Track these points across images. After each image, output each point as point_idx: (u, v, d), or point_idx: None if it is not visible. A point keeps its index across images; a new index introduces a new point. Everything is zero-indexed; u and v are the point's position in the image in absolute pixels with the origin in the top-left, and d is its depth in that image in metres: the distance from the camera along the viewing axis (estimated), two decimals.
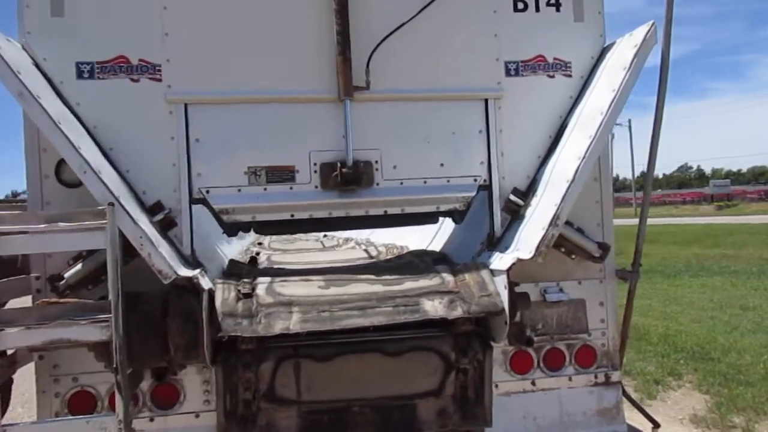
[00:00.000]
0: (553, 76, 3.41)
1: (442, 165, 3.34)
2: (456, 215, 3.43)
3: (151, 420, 3.05)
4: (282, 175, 3.19)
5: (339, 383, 2.90)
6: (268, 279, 3.03)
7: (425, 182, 3.34)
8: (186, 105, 3.10)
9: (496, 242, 3.31)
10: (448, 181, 3.35)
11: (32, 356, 3.00)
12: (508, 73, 3.38)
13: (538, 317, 3.36)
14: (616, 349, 3.50)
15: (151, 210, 2.98)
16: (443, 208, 3.37)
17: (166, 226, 3.01)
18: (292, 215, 3.24)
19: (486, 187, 3.36)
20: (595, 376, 3.46)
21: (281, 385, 2.85)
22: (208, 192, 3.11)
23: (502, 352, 3.34)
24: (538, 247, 2.90)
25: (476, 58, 3.36)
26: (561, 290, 3.42)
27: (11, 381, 4.11)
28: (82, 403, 2.99)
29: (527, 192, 3.33)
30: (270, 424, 2.89)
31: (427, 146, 3.33)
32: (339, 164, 3.13)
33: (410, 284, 3.01)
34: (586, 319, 3.43)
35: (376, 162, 3.27)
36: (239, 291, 2.84)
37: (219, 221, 3.19)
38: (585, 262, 3.38)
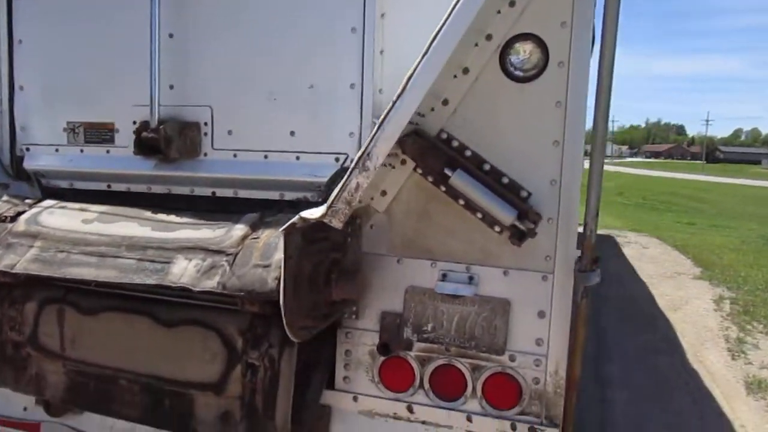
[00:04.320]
0: None
1: (292, 134, 2.31)
2: (304, 208, 2.34)
3: None
4: (101, 134, 2.54)
5: (105, 346, 2.23)
6: (48, 204, 2.43)
7: (266, 157, 2.34)
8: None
9: None
10: (298, 158, 2.31)
11: None
12: None
13: (427, 313, 2.16)
14: (560, 394, 2.09)
15: None
16: (289, 196, 2.34)
17: None
18: (109, 186, 2.58)
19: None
20: (513, 426, 2.13)
21: (45, 333, 2.29)
22: (28, 150, 2.63)
23: (369, 354, 2.25)
24: (331, 204, 1.77)
25: None
26: (470, 279, 2.14)
27: None
28: None
29: None
30: (40, 376, 2.37)
31: (272, 105, 2.31)
32: (142, 124, 2.35)
33: (185, 233, 2.12)
34: (506, 334, 2.10)
35: (205, 124, 2.39)
36: (1, 214, 2.33)
37: (40, 188, 2.69)
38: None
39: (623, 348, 6.40)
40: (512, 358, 2.11)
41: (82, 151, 2.58)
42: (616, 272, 10.53)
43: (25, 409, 2.64)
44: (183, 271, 1.96)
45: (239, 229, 2.07)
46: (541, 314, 2.07)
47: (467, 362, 2.16)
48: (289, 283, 1.81)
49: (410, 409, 2.22)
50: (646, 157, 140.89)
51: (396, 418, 2.24)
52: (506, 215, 1.93)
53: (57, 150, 2.62)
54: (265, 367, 2.03)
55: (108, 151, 2.53)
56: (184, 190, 2.48)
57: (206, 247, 2.02)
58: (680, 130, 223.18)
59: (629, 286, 9.47)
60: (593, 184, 1.89)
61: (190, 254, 2.00)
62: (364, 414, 2.27)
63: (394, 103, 1.77)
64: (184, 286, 1.92)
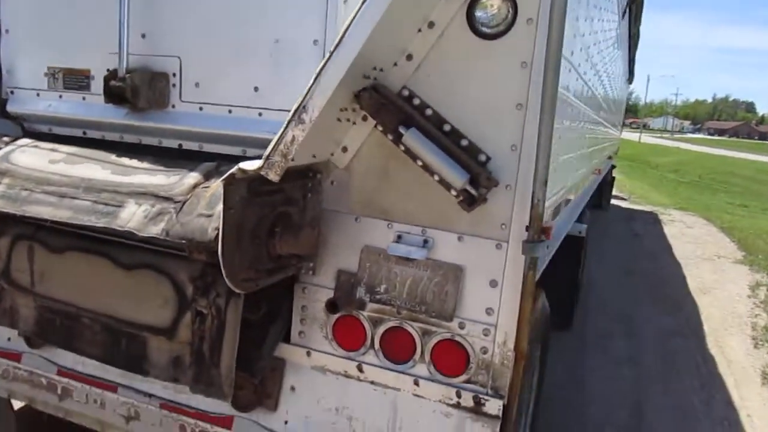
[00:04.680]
0: None
1: (256, 90, 2.25)
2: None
3: None
4: (78, 80, 2.55)
5: (70, 284, 2.28)
6: (23, 143, 2.46)
7: (230, 112, 2.30)
8: None
9: None
10: (261, 114, 2.26)
11: None
12: None
13: (381, 274, 2.12)
14: (507, 366, 2.04)
15: None
16: (251, 152, 2.29)
17: None
18: (84, 133, 2.61)
19: None
20: (458, 394, 2.10)
21: (17, 269, 2.36)
22: (12, 93, 2.69)
23: (324, 310, 2.23)
24: (267, 156, 1.73)
25: None
26: (425, 243, 2.08)
27: None
28: None
29: None
30: (13, 309, 2.45)
31: (237, 59, 2.26)
32: (111, 73, 2.34)
33: (140, 178, 2.12)
34: (456, 301, 2.04)
35: (174, 75, 2.36)
36: None
37: (23, 132, 2.74)
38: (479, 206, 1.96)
39: (641, 327, 6.23)
40: (462, 326, 2.06)
41: (60, 96, 2.61)
42: (650, 251, 10.23)
43: (8, 339, 2.76)
44: (131, 215, 1.98)
45: (192, 178, 2.06)
46: (493, 283, 2.01)
47: (418, 326, 2.12)
48: (229, 234, 1.79)
49: (360, 369, 2.21)
50: (709, 134, 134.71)
51: (347, 376, 2.24)
52: (457, 178, 1.86)
53: (38, 94, 2.65)
54: (212, 315, 2.04)
55: (84, 98, 2.55)
56: (153, 141, 2.48)
57: (157, 194, 2.02)
58: (750, 107, 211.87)
59: (661, 266, 9.18)
60: (542, 149, 1.79)
61: (141, 199, 2.01)
62: (317, 369, 2.27)
63: (331, 54, 1.70)
64: (130, 231, 1.94)
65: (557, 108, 2.14)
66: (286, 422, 2.31)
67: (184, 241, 1.87)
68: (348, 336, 2.22)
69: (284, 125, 1.72)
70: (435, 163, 1.88)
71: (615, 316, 6.46)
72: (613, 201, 15.52)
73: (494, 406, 2.05)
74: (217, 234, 1.80)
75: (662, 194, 19.47)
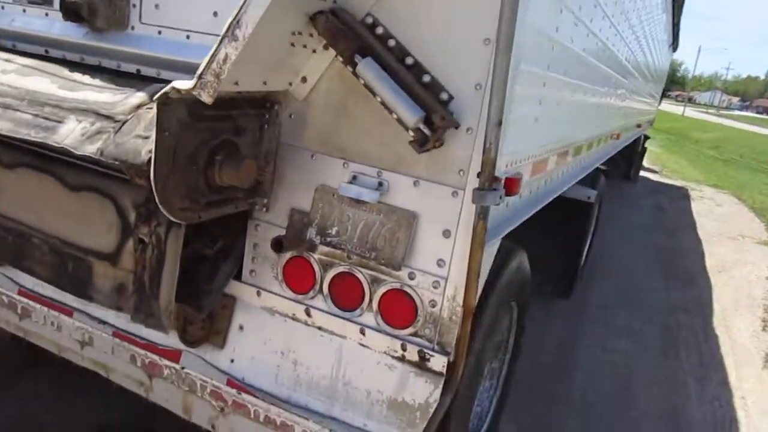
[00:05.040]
0: None
1: (215, 14, 2.07)
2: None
3: None
4: None
5: (21, 201, 2.22)
6: None
7: (188, 37, 2.13)
8: None
9: None
10: None
11: None
12: None
13: (333, 216, 2.00)
14: (455, 321, 1.92)
15: None
16: None
17: None
18: (47, 51, 2.45)
19: None
20: (404, 347, 2.00)
21: None
22: None
23: (275, 252, 2.14)
24: (200, 75, 1.60)
25: None
26: (379, 185, 1.95)
27: None
28: None
29: None
30: None
31: None
32: None
33: (86, 95, 2.00)
34: (407, 249, 1.92)
35: None
36: None
37: None
38: (439, 149, 1.82)
39: (647, 300, 6.05)
40: (411, 276, 1.94)
41: (24, 11, 2.49)
42: (672, 226, 9.92)
43: None
44: (70, 132, 1.88)
45: (137, 97, 1.95)
46: (447, 233, 1.87)
47: (368, 273, 2.01)
48: (162, 158, 1.68)
49: (308, 313, 2.12)
50: (758, 112, 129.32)
51: (294, 319, 2.15)
52: (410, 115, 1.71)
53: (3, 7, 2.54)
54: (153, 244, 1.96)
55: (47, 14, 2.43)
56: (112, 65, 2.36)
57: (98, 111, 1.91)
58: None
59: (680, 241, 8.89)
60: (497, 87, 1.62)
61: (82, 116, 1.91)
62: (266, 310, 2.20)
63: None
64: (65, 147, 1.85)
65: (538, 51, 1.96)
66: (232, 360, 2.25)
67: (116, 162, 1.77)
68: (298, 278, 2.12)
69: (217, 42, 1.58)
70: (388, 96, 1.72)
71: (621, 288, 6.28)
72: (644, 173, 15.07)
73: (439, 362, 1.94)
74: (145, 160, 1.70)
75: (697, 170, 18.83)
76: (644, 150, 14.24)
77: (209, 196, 1.87)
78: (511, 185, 1.95)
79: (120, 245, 2.03)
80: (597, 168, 5.47)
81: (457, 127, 1.78)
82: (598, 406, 3.89)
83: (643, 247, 8.25)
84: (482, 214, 1.72)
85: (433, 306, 1.94)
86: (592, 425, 3.67)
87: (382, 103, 1.80)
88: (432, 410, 1.94)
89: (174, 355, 2.32)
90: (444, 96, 1.79)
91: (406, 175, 1.90)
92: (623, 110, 6.51)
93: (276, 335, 2.19)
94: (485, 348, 2.35)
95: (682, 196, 13.40)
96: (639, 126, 10.04)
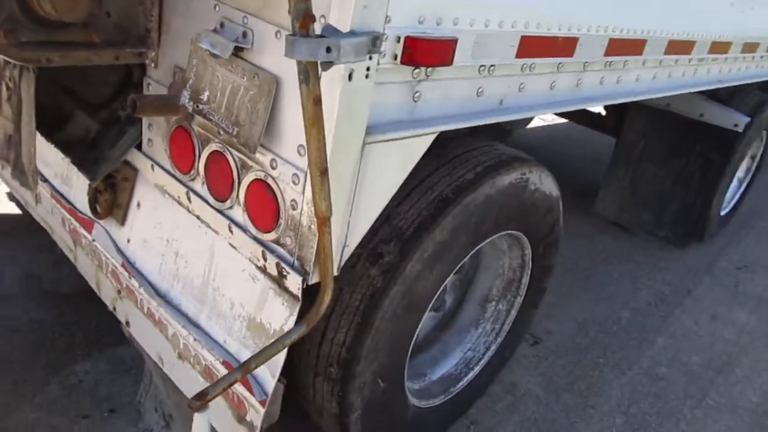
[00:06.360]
0: None
1: None
2: None
3: None
4: None
5: None
6: None
7: None
8: None
9: None
10: None
11: None
12: None
13: (206, 77, 1.55)
14: (314, 232, 1.40)
15: None
16: None
17: None
18: None
19: None
20: (264, 256, 1.53)
21: None
22: None
23: (166, 120, 1.75)
24: None
25: None
26: (243, 36, 1.43)
27: None
28: None
29: None
30: None
31: None
32: None
33: None
34: (264, 124, 1.41)
35: None
36: None
37: None
38: None
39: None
40: (273, 164, 1.45)
41: None
42: None
43: None
44: None
45: None
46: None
47: (237, 156, 1.55)
48: None
49: (189, 198, 1.73)
50: None
51: (179, 203, 1.78)
52: None
53: None
54: (9, 93, 1.69)
55: None
56: None
57: None
58: None
59: None
60: None
61: None
62: (158, 189, 1.85)
63: None
64: None
65: None
66: (128, 240, 1.97)
67: None
68: (180, 152, 1.73)
69: None
70: None
71: None
72: None
73: (294, 282, 1.47)
74: None
75: None
76: None
77: (39, 31, 1.52)
78: (424, 49, 1.33)
79: None
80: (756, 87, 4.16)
81: None
82: (666, 384, 3.09)
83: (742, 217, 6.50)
84: (305, 74, 1.14)
85: (294, 208, 1.44)
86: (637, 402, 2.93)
87: None
88: (281, 343, 1.48)
89: (88, 225, 2.11)
90: None
91: (270, 22, 1.37)
92: None
93: (165, 219, 1.86)
94: (422, 276, 1.78)
95: None
96: None
